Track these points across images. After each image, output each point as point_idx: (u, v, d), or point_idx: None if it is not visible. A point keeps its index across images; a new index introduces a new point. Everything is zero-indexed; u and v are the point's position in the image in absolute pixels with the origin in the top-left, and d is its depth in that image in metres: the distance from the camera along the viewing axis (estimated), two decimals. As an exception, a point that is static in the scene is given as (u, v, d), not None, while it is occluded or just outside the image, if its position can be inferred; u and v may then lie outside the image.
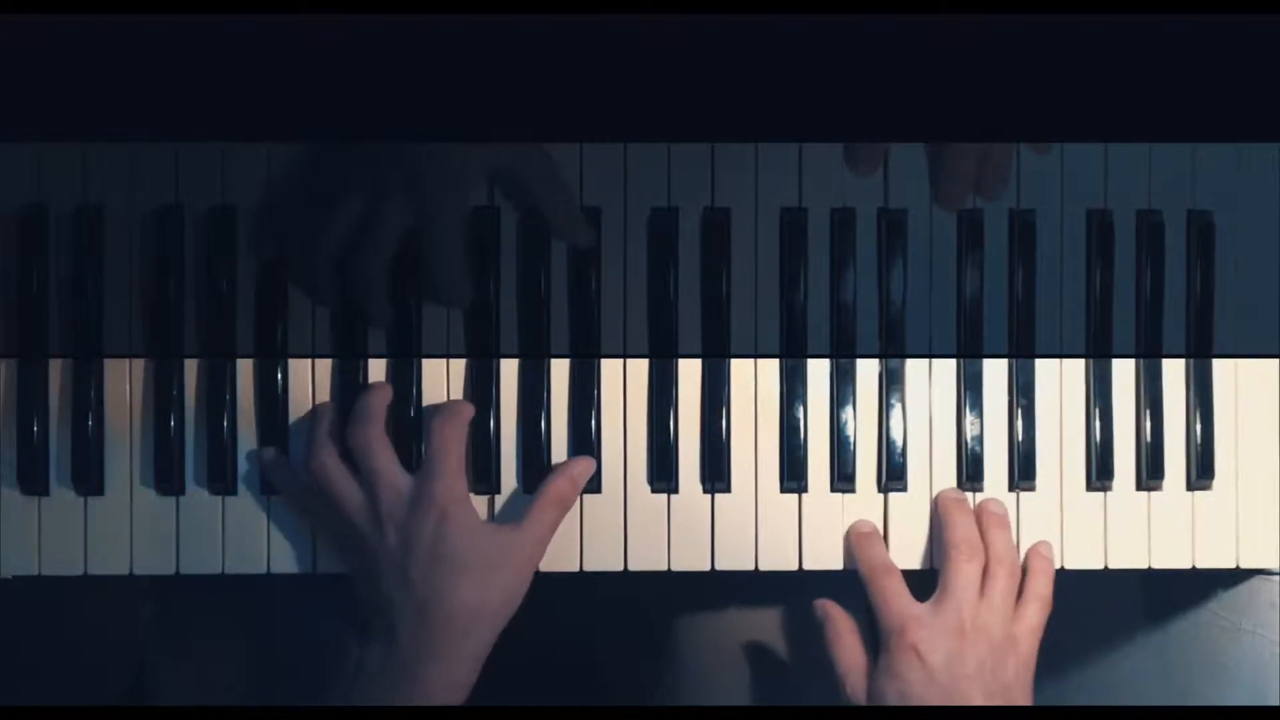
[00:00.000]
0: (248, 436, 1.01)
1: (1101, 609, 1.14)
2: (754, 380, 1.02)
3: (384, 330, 1.01)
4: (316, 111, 0.90)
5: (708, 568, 1.02)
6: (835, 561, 1.02)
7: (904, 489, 1.03)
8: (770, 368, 1.03)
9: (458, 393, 1.01)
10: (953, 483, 1.03)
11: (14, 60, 0.88)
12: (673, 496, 1.02)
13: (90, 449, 1.00)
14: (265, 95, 0.89)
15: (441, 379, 1.01)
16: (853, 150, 1.02)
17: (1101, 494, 1.04)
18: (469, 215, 1.00)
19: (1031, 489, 1.03)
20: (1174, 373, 1.04)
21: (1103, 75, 0.89)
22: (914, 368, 1.03)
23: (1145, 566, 1.04)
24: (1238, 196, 1.05)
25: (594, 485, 1.01)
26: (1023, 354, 1.03)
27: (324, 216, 0.97)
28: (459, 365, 1.02)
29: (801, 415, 1.02)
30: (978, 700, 0.97)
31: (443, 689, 0.95)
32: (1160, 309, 1.04)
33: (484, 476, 1.00)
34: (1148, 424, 1.03)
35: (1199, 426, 1.04)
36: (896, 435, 1.03)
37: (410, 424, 1.00)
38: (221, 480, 1.00)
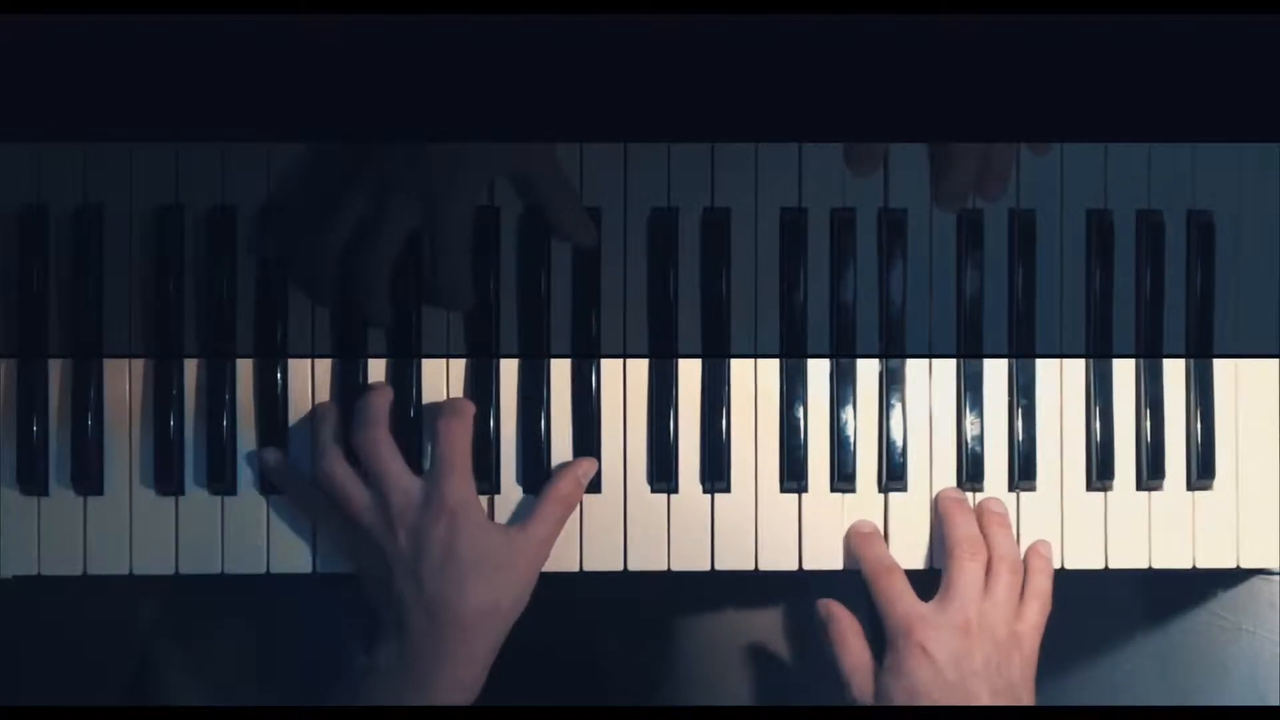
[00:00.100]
0: (247, 436, 1.01)
1: (1101, 609, 1.14)
2: (754, 380, 1.02)
3: (384, 330, 1.01)
4: (316, 111, 0.90)
5: (708, 568, 1.02)
6: (835, 561, 1.02)
7: (904, 489, 1.03)
8: (770, 368, 1.03)
9: (458, 393, 1.01)
10: (953, 483, 1.03)
11: (14, 60, 0.87)
12: (673, 496, 1.02)
13: (90, 449, 1.00)
14: (265, 95, 0.89)
15: (441, 379, 1.01)
16: (852, 150, 1.02)
17: (1102, 494, 1.04)
18: (472, 216, 0.99)
19: (1031, 489, 1.03)
20: (1174, 373, 1.04)
21: (1103, 75, 0.89)
22: (914, 368, 1.03)
23: (1145, 566, 1.04)
24: (1238, 196, 1.05)
25: (594, 485, 1.01)
26: (1023, 354, 1.03)
27: (327, 216, 0.97)
28: (459, 365, 1.02)
29: (801, 415, 1.02)
30: (984, 698, 0.97)
31: (452, 690, 0.95)
32: (1160, 309, 1.04)
33: (484, 476, 1.00)
34: (1148, 424, 1.03)
35: (1199, 426, 1.04)
36: (896, 435, 1.03)
37: (411, 424, 1.00)
38: (221, 480, 1.00)
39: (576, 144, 1.01)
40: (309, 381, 1.01)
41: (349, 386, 1.01)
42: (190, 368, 1.01)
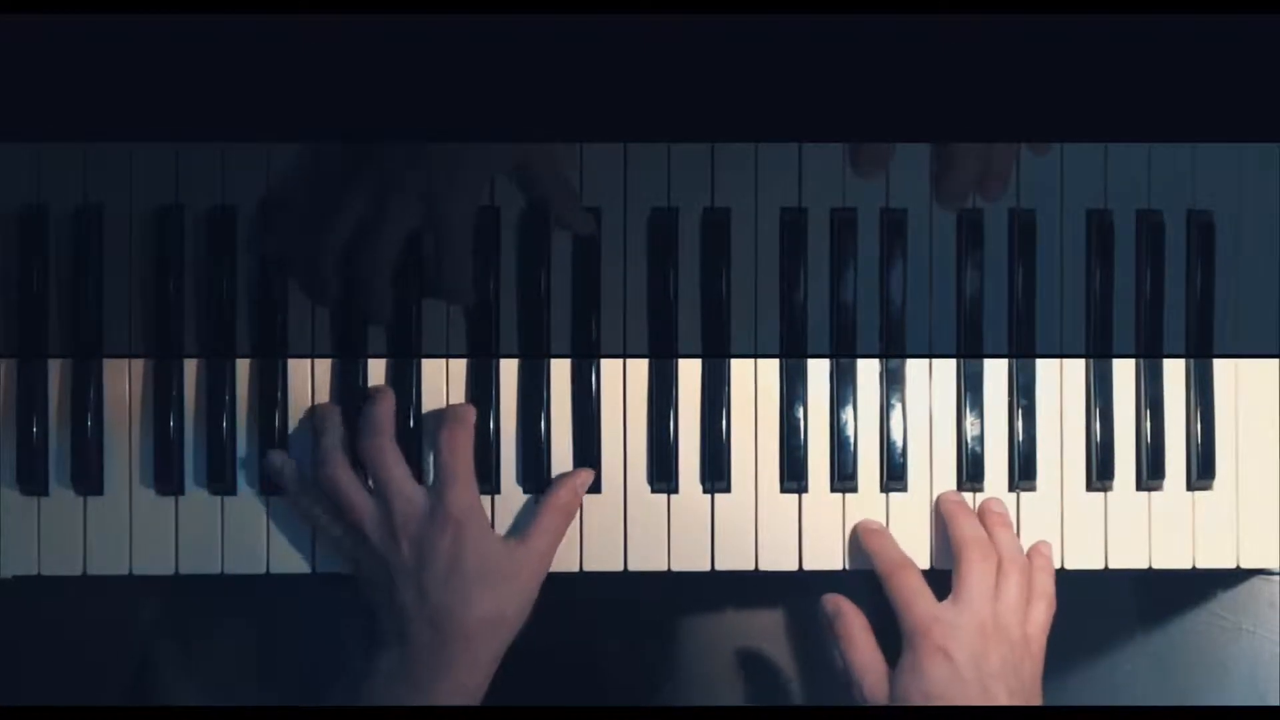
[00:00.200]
0: (247, 436, 1.01)
1: (1102, 609, 1.14)
2: (754, 380, 1.02)
3: (384, 330, 1.01)
4: (316, 111, 0.90)
5: (708, 568, 1.02)
6: (836, 562, 1.02)
7: (904, 489, 1.03)
8: (770, 368, 1.02)
9: (458, 392, 1.01)
10: (953, 482, 1.03)
11: (14, 60, 0.87)
12: (673, 496, 1.02)
13: (90, 449, 1.00)
14: (265, 95, 0.89)
15: (441, 379, 1.01)
16: (858, 152, 1.02)
17: (1102, 494, 1.04)
18: (473, 215, 1.00)
19: (1031, 489, 1.03)
20: (1174, 373, 1.04)
21: (1103, 75, 0.89)
22: (914, 368, 1.03)
23: (1145, 566, 1.04)
24: (1238, 196, 1.05)
25: (594, 485, 1.01)
26: (1023, 354, 1.03)
27: (328, 216, 0.97)
28: (459, 365, 1.02)
29: (801, 415, 1.02)
30: (1002, 699, 0.96)
31: (454, 697, 0.95)
32: (1160, 309, 1.04)
33: (484, 476, 1.00)
34: (1148, 424, 1.03)
35: (1199, 426, 1.04)
36: (897, 435, 1.03)
37: (410, 425, 1.00)
38: (221, 480, 1.00)
39: (576, 144, 1.01)
40: (309, 381, 1.01)
41: (349, 386, 1.01)
42: (190, 368, 1.01)
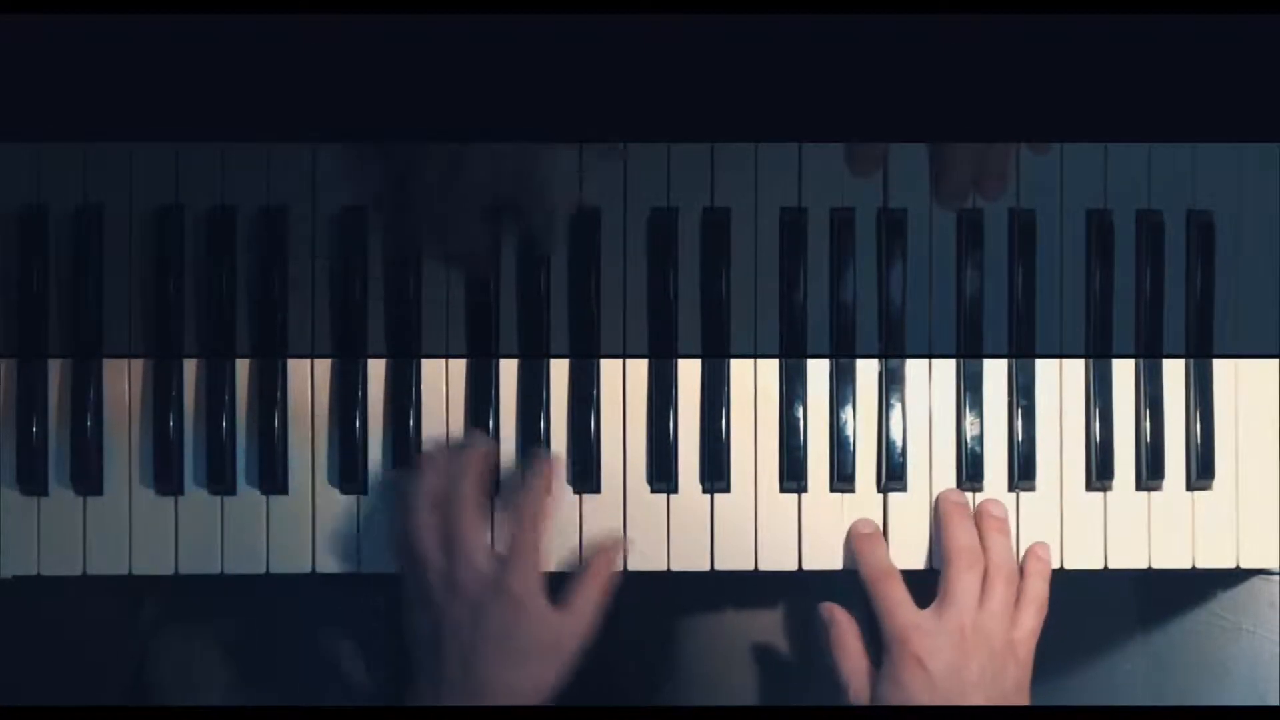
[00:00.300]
0: (247, 436, 1.01)
1: (1101, 609, 1.14)
2: (754, 380, 1.02)
3: (384, 330, 1.01)
4: (316, 111, 0.90)
5: (707, 568, 1.02)
6: (835, 561, 1.02)
7: (904, 489, 1.03)
8: (770, 368, 1.02)
9: (458, 392, 1.01)
10: (953, 483, 1.03)
11: (14, 60, 0.87)
12: (672, 496, 1.02)
13: (89, 449, 1.00)
14: (265, 95, 0.89)
15: (441, 379, 1.02)
16: (852, 150, 1.02)
17: (1101, 494, 1.04)
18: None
19: (1031, 489, 1.03)
20: (1174, 373, 1.04)
21: (1103, 75, 0.89)
22: (914, 368, 1.03)
23: (1145, 566, 1.04)
24: (1238, 196, 1.05)
25: (594, 485, 1.01)
26: (1023, 354, 1.03)
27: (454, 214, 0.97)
28: (459, 365, 1.02)
29: (801, 415, 1.02)
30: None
31: None
32: (1160, 309, 1.04)
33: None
34: (1148, 424, 1.03)
35: (1199, 426, 1.04)
36: (896, 435, 1.03)
37: (409, 425, 1.00)
38: (220, 480, 1.00)
39: (576, 144, 1.01)
40: (309, 381, 1.01)
41: (348, 386, 1.01)
42: (190, 368, 1.01)
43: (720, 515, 1.02)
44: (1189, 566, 1.04)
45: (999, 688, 0.98)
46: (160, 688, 1.12)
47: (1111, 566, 1.03)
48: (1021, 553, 1.02)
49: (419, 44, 0.89)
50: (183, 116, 0.90)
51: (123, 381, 1.01)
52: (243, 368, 1.01)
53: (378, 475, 1.01)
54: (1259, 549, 1.04)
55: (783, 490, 1.02)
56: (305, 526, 1.01)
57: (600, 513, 1.01)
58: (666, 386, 1.02)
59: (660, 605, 1.13)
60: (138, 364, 1.01)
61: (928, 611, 0.99)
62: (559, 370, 1.02)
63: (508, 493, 1.00)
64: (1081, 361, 1.04)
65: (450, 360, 1.02)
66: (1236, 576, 1.07)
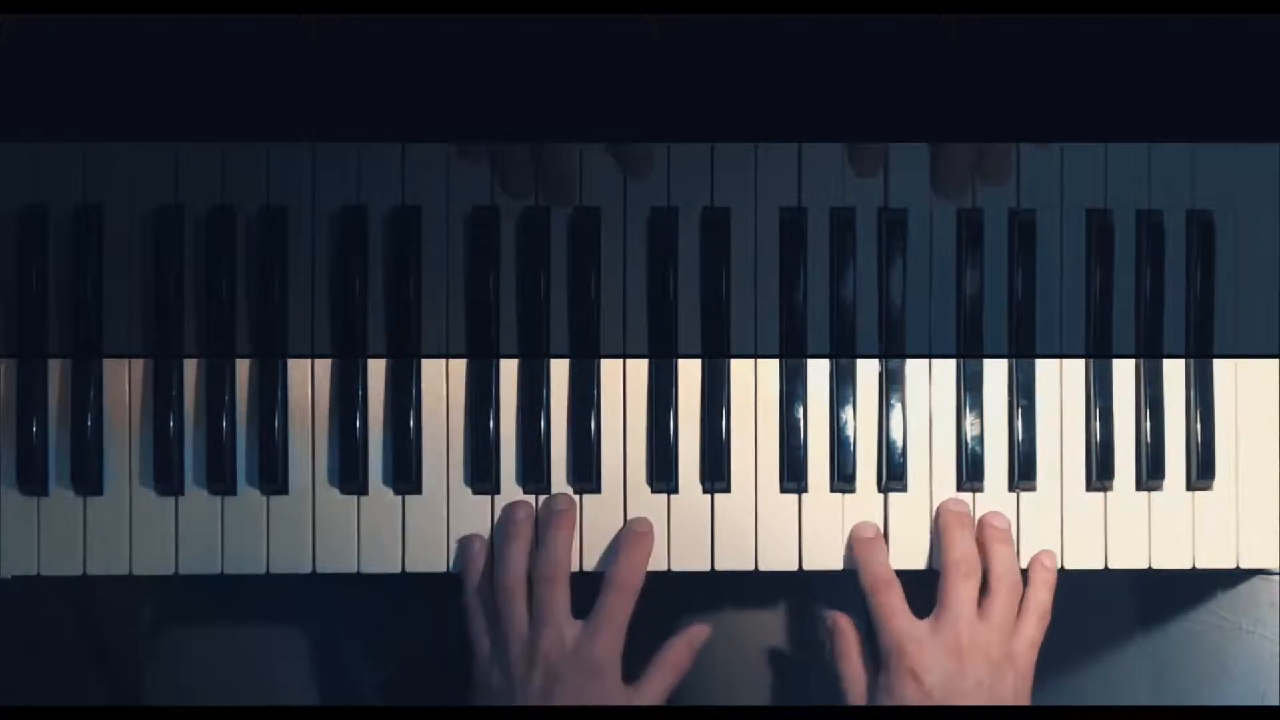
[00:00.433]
0: (247, 436, 1.01)
1: (1101, 609, 1.14)
2: (754, 380, 1.02)
3: (383, 330, 1.01)
4: (317, 111, 0.90)
5: (708, 568, 1.02)
6: (835, 561, 1.02)
7: (904, 489, 1.03)
8: (770, 368, 1.02)
9: (458, 392, 1.01)
10: (953, 482, 1.03)
11: (14, 60, 0.88)
12: (672, 496, 1.02)
13: (89, 449, 1.00)
14: (265, 95, 0.89)
15: (441, 379, 1.01)
16: (854, 150, 1.02)
17: (1101, 494, 1.04)
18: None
19: (1031, 489, 1.03)
20: (1174, 373, 1.04)
21: (1103, 75, 0.89)
22: (914, 368, 1.03)
23: (1145, 566, 1.04)
24: (1238, 196, 1.05)
25: (594, 485, 1.01)
26: (1023, 354, 1.03)
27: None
28: (459, 365, 1.02)
29: (801, 415, 1.02)
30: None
31: None
32: (1160, 309, 1.04)
33: (484, 476, 1.00)
34: (1148, 424, 1.03)
35: (1199, 426, 1.04)
36: (896, 435, 1.02)
37: (409, 425, 1.00)
38: (220, 480, 1.00)
39: (576, 144, 1.01)
40: (309, 381, 1.01)
41: (348, 386, 1.01)
42: (190, 368, 1.01)
43: (720, 515, 1.02)
44: (1189, 566, 1.04)
45: (997, 697, 0.98)
46: (160, 688, 1.12)
47: (1112, 566, 1.03)
48: (1023, 556, 1.02)
49: (419, 44, 0.89)
50: (183, 116, 0.90)
51: (123, 381, 1.01)
52: (243, 368, 1.01)
53: (378, 475, 1.01)
54: (1259, 549, 1.04)
55: (783, 490, 1.02)
56: (305, 526, 1.01)
57: (600, 513, 1.01)
58: (666, 386, 1.02)
59: (660, 605, 1.13)
60: (138, 364, 1.01)
61: (924, 623, 0.99)
62: (559, 370, 1.02)
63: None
64: (1081, 361, 1.04)
65: (450, 360, 1.02)
66: (1236, 576, 1.07)
